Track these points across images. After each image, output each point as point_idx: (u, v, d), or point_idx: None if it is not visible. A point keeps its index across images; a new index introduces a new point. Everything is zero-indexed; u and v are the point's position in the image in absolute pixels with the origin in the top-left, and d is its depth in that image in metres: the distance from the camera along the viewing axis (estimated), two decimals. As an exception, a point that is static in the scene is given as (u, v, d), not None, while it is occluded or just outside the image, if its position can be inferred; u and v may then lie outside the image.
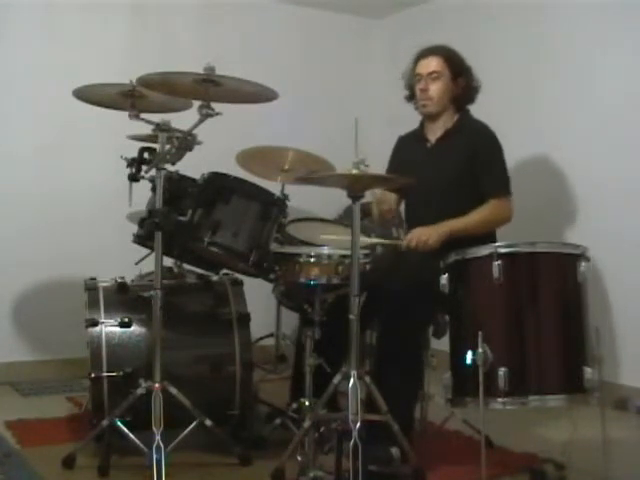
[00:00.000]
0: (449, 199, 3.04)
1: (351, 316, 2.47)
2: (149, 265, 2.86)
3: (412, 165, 3.18)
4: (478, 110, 3.20)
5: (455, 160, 3.08)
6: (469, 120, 3.18)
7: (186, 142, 2.67)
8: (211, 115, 2.58)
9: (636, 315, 3.57)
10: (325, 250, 2.77)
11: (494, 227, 3.05)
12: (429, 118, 3.20)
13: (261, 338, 3.91)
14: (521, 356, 2.56)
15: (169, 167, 2.71)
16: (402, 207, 3.38)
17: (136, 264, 3.12)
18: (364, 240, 2.90)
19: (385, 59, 4.87)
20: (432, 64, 3.12)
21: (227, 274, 3.22)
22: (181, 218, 2.71)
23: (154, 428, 2.49)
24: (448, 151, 3.12)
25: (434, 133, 3.19)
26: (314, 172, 3.13)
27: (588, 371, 2.53)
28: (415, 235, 2.87)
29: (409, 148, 3.30)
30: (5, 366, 3.96)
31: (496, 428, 2.83)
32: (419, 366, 2.89)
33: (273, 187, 3.05)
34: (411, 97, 3.26)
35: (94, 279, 3.05)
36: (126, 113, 2.75)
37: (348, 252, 2.54)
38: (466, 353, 2.54)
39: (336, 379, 2.53)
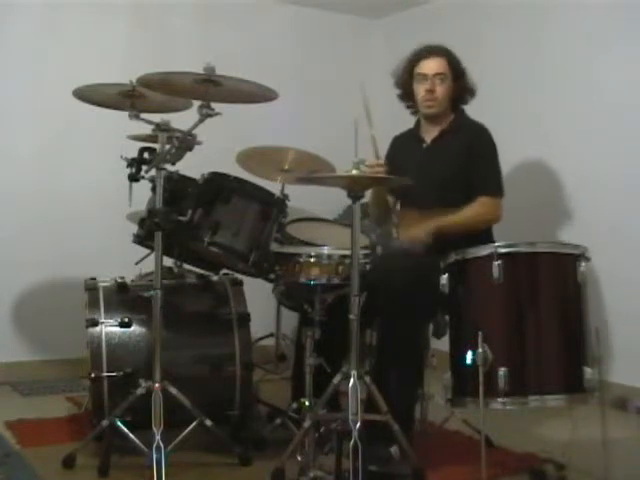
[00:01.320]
0: (445, 199, 3.04)
1: (351, 316, 2.48)
2: (149, 265, 2.86)
3: (408, 165, 3.18)
4: (477, 110, 3.20)
5: (451, 160, 3.08)
6: (465, 120, 3.18)
7: (186, 142, 2.66)
8: (211, 115, 2.59)
9: (636, 315, 3.57)
10: (325, 250, 2.77)
11: (482, 226, 3.04)
12: (428, 119, 3.20)
13: (261, 338, 3.91)
14: (521, 356, 2.56)
15: (169, 167, 2.71)
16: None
17: (136, 264, 3.12)
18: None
19: (385, 59, 4.85)
20: (438, 65, 3.12)
21: (227, 274, 3.22)
22: (181, 218, 2.71)
23: (154, 428, 2.49)
24: (444, 151, 3.12)
25: (430, 133, 3.19)
26: (314, 172, 3.12)
27: (588, 371, 2.53)
28: (406, 234, 2.88)
29: (404, 148, 3.30)
30: (5, 366, 3.96)
31: (496, 428, 2.83)
32: (419, 366, 2.89)
33: (273, 187, 3.05)
34: (405, 96, 3.26)
35: (94, 279, 3.05)
36: (126, 113, 2.75)
37: (348, 252, 2.54)
38: (466, 353, 2.54)
39: (336, 379, 2.53)
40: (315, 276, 2.72)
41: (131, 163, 2.73)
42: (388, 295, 2.80)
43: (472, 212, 2.98)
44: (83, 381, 3.48)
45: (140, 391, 2.65)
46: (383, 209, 3.37)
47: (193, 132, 2.65)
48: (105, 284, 3.01)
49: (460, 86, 3.15)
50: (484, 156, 3.06)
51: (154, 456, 2.44)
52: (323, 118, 4.69)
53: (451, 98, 3.15)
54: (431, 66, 3.13)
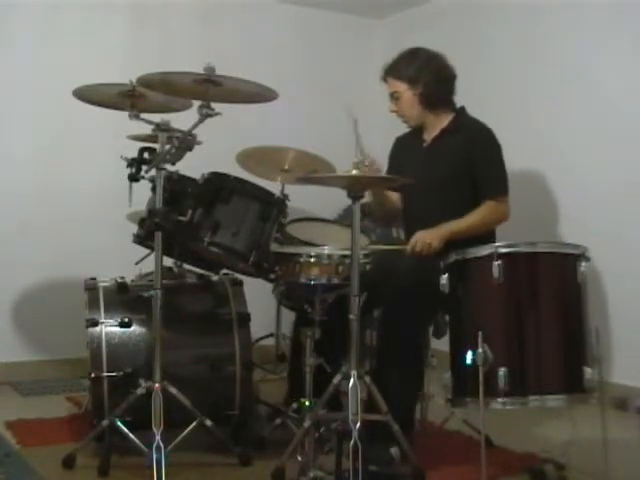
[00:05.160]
0: (445, 198, 3.04)
1: (351, 316, 2.48)
2: (149, 265, 2.86)
3: (409, 165, 3.19)
4: (477, 110, 3.20)
5: (451, 160, 3.07)
6: (466, 119, 3.16)
7: (186, 142, 2.67)
8: (211, 115, 2.59)
9: (635, 315, 3.57)
10: (325, 250, 2.77)
11: (491, 227, 3.06)
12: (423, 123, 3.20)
13: (261, 338, 3.91)
14: (521, 356, 2.56)
15: (169, 167, 2.71)
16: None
17: (136, 264, 3.12)
18: (368, 246, 2.93)
19: (385, 59, 4.85)
20: (388, 86, 3.17)
21: (227, 274, 3.22)
22: (181, 218, 2.71)
23: (154, 428, 2.49)
24: (444, 151, 3.11)
25: (431, 133, 3.19)
26: (314, 172, 3.13)
27: (588, 371, 2.53)
28: (419, 239, 2.87)
29: (406, 148, 3.30)
30: (5, 366, 3.96)
31: (496, 428, 2.83)
32: (419, 366, 2.89)
33: (273, 187, 3.05)
34: None
35: (94, 279, 3.05)
36: (126, 113, 2.75)
37: (348, 252, 2.54)
38: (466, 353, 2.54)
39: (336, 379, 2.53)
40: (315, 276, 2.72)
41: (131, 163, 2.73)
42: (389, 295, 2.80)
43: (480, 216, 2.98)
44: (83, 381, 3.47)
45: (140, 391, 2.65)
46: (386, 208, 3.36)
47: (193, 132, 2.65)
48: (105, 284, 3.01)
49: (423, 87, 3.08)
50: (486, 156, 3.05)
51: (154, 456, 2.44)
52: (323, 118, 4.68)
53: (423, 103, 3.10)
54: (387, 88, 3.17)
